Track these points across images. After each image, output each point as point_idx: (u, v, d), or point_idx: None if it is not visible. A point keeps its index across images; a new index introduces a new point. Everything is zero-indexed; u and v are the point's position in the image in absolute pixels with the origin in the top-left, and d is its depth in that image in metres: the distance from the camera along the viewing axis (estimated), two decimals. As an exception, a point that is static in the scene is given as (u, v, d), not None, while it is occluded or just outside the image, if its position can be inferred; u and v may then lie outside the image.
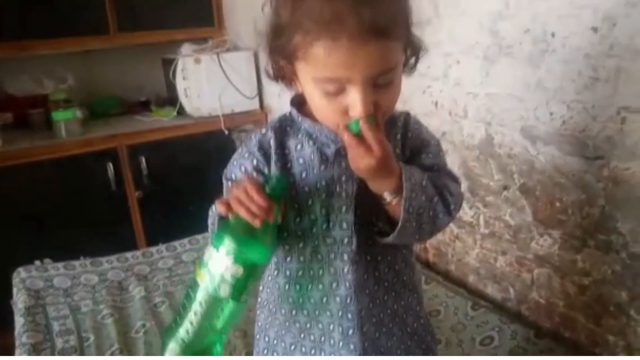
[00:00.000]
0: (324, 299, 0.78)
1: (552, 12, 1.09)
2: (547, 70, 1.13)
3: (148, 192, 2.25)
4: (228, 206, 0.67)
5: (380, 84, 0.64)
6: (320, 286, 0.77)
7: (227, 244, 0.66)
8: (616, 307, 1.09)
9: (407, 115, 0.80)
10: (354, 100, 0.64)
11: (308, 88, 0.68)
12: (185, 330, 0.69)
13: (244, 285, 0.68)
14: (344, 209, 0.74)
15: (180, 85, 2.29)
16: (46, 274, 1.65)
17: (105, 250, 1.79)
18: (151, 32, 2.39)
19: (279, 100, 2.30)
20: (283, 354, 0.83)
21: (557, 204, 1.17)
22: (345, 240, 0.75)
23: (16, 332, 1.39)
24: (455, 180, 0.79)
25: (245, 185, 0.67)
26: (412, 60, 0.72)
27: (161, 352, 0.69)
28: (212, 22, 2.52)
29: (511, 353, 1.19)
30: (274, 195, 0.67)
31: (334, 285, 0.77)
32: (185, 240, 1.87)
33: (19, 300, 1.52)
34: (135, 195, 2.23)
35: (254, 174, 0.77)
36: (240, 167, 0.79)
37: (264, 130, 0.79)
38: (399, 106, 0.74)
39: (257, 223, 0.65)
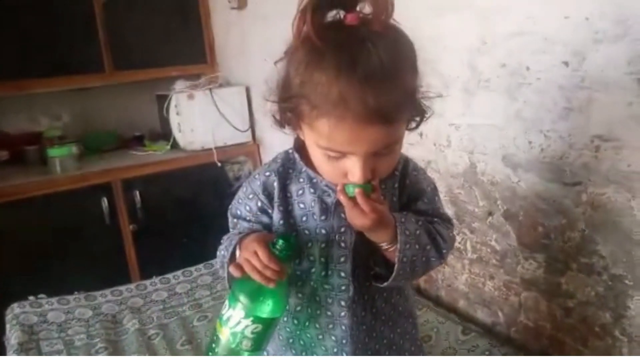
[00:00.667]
0: (320, 336, 0.82)
1: (526, 48, 1.16)
2: (524, 101, 1.19)
3: (142, 225, 2.27)
4: (241, 269, 0.72)
5: (381, 154, 0.68)
6: (317, 325, 0.82)
7: (244, 305, 0.72)
8: (601, 328, 1.12)
9: (405, 161, 0.83)
10: (353, 168, 0.67)
11: (311, 148, 0.72)
12: None
13: (264, 337, 0.74)
14: (342, 259, 0.78)
15: (174, 120, 2.34)
16: (40, 309, 1.65)
17: (100, 284, 1.80)
18: (145, 70, 2.45)
19: (270, 133, 2.36)
20: None
21: (540, 229, 1.21)
22: (343, 288, 0.79)
23: (9, 368, 1.39)
24: (448, 222, 0.84)
25: (255, 249, 0.71)
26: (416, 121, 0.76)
27: None
28: (205, 59, 2.60)
29: (501, 376, 1.21)
30: (283, 257, 0.72)
31: (330, 326, 0.81)
32: (179, 272, 1.88)
33: (12, 337, 1.52)
34: (130, 229, 2.25)
35: (259, 213, 0.82)
36: (245, 207, 0.84)
37: (267, 173, 0.82)
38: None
39: (271, 285, 0.70)
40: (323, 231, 0.78)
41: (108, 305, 1.71)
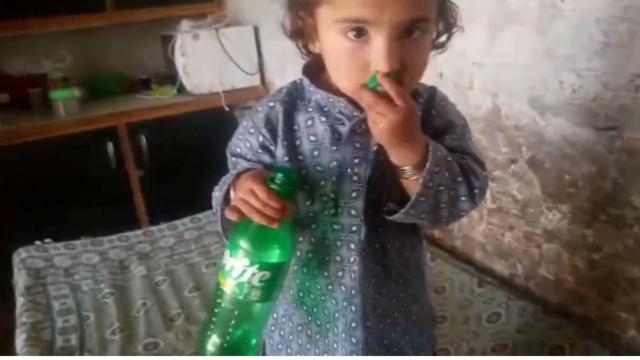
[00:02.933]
0: (330, 286, 0.74)
1: (562, -25, 1.04)
2: (556, 37, 1.08)
3: (149, 170, 2.22)
4: (239, 212, 0.63)
5: (409, 36, 0.58)
6: (326, 273, 0.73)
7: (247, 252, 0.63)
8: (628, 282, 1.06)
9: (432, 90, 0.73)
10: (378, 50, 0.57)
11: (329, 39, 0.61)
12: (222, 335, 0.67)
13: (274, 284, 0.66)
14: (354, 194, 0.69)
15: (179, 62, 2.24)
16: (46, 254, 1.63)
17: (107, 230, 1.77)
18: (149, 9, 2.34)
19: (280, 76, 2.26)
20: (289, 333, 0.79)
21: (567, 177, 1.13)
22: (354, 228, 0.70)
23: (17, 311, 1.38)
24: (482, 165, 0.72)
25: (252, 187, 0.62)
26: (444, 37, 0.67)
27: (200, 352, 0.68)
28: (211, -3, 2.47)
29: (519, 330, 1.17)
30: (284, 193, 0.63)
31: (340, 273, 0.73)
32: (187, 219, 1.85)
33: (19, 281, 1.51)
34: (137, 174, 2.21)
35: (260, 151, 0.73)
36: (245, 143, 0.74)
37: (271, 103, 0.73)
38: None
39: (275, 226, 0.62)
40: (334, 163, 0.68)
41: (115, 251, 1.69)
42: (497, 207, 1.33)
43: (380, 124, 0.59)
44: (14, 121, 2.05)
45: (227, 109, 2.27)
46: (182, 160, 2.26)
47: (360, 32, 0.58)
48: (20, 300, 1.42)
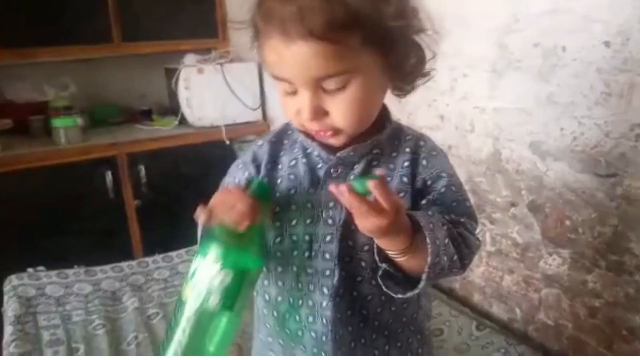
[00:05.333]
0: (299, 332, 0.72)
1: (562, 26, 1.07)
2: (558, 84, 1.10)
3: (146, 201, 2.20)
4: (210, 213, 0.62)
5: (329, 90, 0.61)
6: (297, 317, 0.72)
7: (213, 251, 0.61)
8: (629, 331, 1.05)
9: (421, 138, 0.72)
10: (301, 103, 0.62)
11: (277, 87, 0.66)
12: (174, 351, 0.62)
13: (235, 292, 0.62)
14: (328, 238, 0.68)
15: (182, 95, 2.27)
16: (38, 282, 1.60)
17: (102, 260, 1.74)
18: (155, 42, 2.37)
19: (282, 112, 2.27)
20: None
21: (567, 222, 1.13)
22: (327, 273, 0.68)
23: (4, 341, 1.34)
24: (474, 222, 0.70)
25: (226, 190, 0.64)
26: (409, 75, 0.66)
27: None
28: (216, 34, 2.51)
29: (517, 376, 1.15)
30: (257, 195, 0.63)
31: (311, 319, 0.71)
32: (182, 251, 1.83)
33: (9, 309, 1.47)
34: (134, 204, 2.19)
35: (244, 184, 0.73)
36: (234, 178, 0.76)
37: (260, 142, 0.76)
38: (403, 119, 0.70)
39: (242, 227, 0.61)
40: (309, 205, 0.68)
41: (108, 281, 1.66)
42: (497, 250, 1.33)
43: (365, 224, 0.58)
44: (14, 147, 2.04)
45: (227, 142, 2.29)
46: (180, 192, 2.25)
47: (288, 86, 0.62)
48: (8, 329, 1.38)
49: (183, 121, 2.32)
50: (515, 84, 1.19)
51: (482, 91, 1.28)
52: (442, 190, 0.68)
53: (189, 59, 2.29)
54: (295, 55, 0.58)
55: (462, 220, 0.67)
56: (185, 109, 2.28)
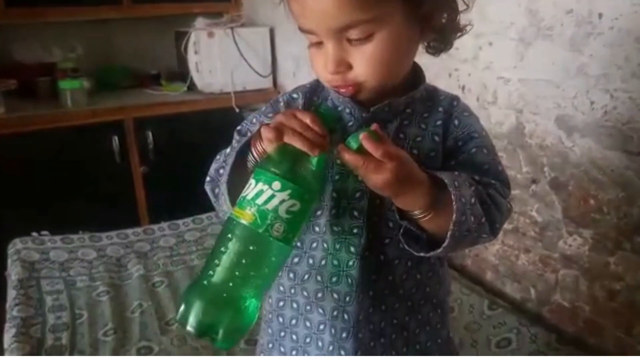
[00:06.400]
0: (319, 294, 0.68)
1: (600, -9, 1.00)
2: (591, 55, 1.03)
3: (153, 167, 2.17)
4: (279, 134, 0.56)
5: (353, 41, 0.57)
6: (319, 277, 0.67)
7: (280, 176, 0.56)
8: (651, 316, 1.01)
9: (453, 98, 0.69)
10: (325, 55, 0.59)
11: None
12: (222, 282, 0.55)
13: (299, 224, 0.58)
14: (357, 194, 0.64)
15: (192, 59, 2.20)
16: (42, 247, 1.58)
17: (106, 226, 1.72)
18: (165, 5, 2.31)
19: (293, 79, 2.22)
20: (260, 350, 0.75)
21: (592, 202, 1.08)
22: (355, 231, 0.65)
23: (7, 304, 1.32)
24: (507, 188, 0.66)
25: (296, 113, 0.58)
26: (441, 30, 0.62)
27: (180, 315, 0.56)
28: (229, -4, 2.43)
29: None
30: (328, 121, 0.58)
31: (334, 279, 0.67)
32: (189, 219, 1.80)
33: (13, 272, 1.46)
34: (140, 170, 2.16)
35: None
36: (259, 123, 0.70)
37: (295, 95, 0.71)
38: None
39: (316, 153, 0.56)
40: (338, 161, 0.62)
41: (113, 247, 1.64)
42: (514, 228, 1.28)
43: (373, 182, 0.56)
44: (19, 109, 2.00)
45: (237, 109, 2.23)
46: (188, 159, 2.20)
47: (314, 37, 0.59)
48: (12, 293, 1.36)
49: (192, 87, 2.26)
50: (544, 54, 1.12)
51: (507, 61, 1.21)
52: (473, 151, 0.65)
53: (200, 22, 2.22)
54: (317, 4, 0.55)
55: (492, 182, 0.64)
56: (194, 74, 2.22)
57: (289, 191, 0.56)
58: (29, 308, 1.30)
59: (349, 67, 0.59)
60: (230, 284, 0.56)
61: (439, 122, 0.66)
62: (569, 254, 1.16)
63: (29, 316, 1.26)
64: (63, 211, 1.93)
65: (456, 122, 0.66)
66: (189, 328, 0.55)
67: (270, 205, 0.56)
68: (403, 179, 0.55)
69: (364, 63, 0.58)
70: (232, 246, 0.56)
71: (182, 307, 0.56)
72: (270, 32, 2.29)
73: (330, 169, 0.65)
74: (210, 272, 0.56)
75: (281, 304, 0.71)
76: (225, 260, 0.56)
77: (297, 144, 0.56)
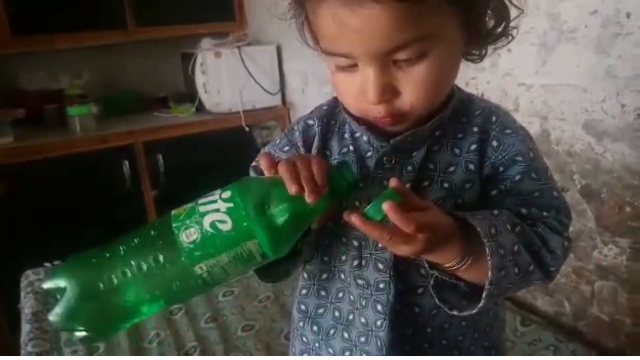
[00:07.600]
0: (347, 352, 0.62)
1: (625, -10, 0.96)
2: (619, 56, 0.99)
3: (165, 190, 2.14)
4: (274, 167, 0.51)
5: (401, 62, 0.49)
6: (347, 335, 0.61)
7: (238, 190, 0.49)
8: (700, 328, 0.95)
9: (492, 112, 0.58)
10: (365, 82, 0.50)
11: (328, 64, 0.54)
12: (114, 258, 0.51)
13: (211, 249, 0.48)
14: (380, 244, 0.56)
15: (199, 80, 2.18)
16: (56, 277, 1.54)
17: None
18: (170, 27, 2.30)
19: (302, 95, 2.19)
20: None
21: (628, 209, 1.03)
22: (381, 286, 0.58)
23: (22, 339, 1.28)
24: (565, 216, 0.57)
25: (311, 158, 0.51)
26: (487, 36, 0.54)
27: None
28: (233, 17, 2.42)
29: (572, 377, 1.05)
30: (338, 185, 0.51)
31: (362, 339, 0.60)
32: (203, 243, 1.75)
33: (26, 305, 1.41)
34: (152, 194, 2.13)
35: None
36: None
37: (310, 121, 0.63)
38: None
39: (293, 191, 0.48)
40: (357, 203, 0.57)
41: (127, 275, 1.59)
42: (543, 240, 1.23)
43: (400, 252, 0.49)
44: (28, 137, 1.98)
45: (247, 128, 2.20)
46: (199, 181, 2.17)
47: (346, 59, 0.50)
48: (26, 327, 1.32)
49: (200, 108, 2.24)
50: (568, 58, 1.08)
51: (528, 67, 1.17)
52: (517, 178, 0.56)
53: (206, 43, 2.21)
54: (363, 22, 0.46)
55: (544, 214, 0.56)
56: (202, 95, 2.20)
57: (230, 204, 0.48)
58: (44, 342, 1.25)
59: (396, 94, 0.51)
60: (119, 273, 0.50)
61: (473, 147, 0.57)
62: (604, 265, 1.10)
63: (44, 351, 1.22)
64: (75, 238, 1.87)
65: (495, 143, 0.57)
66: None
67: (203, 208, 0.49)
68: (433, 245, 0.49)
69: (415, 88, 0.50)
70: (144, 230, 0.52)
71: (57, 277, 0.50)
72: (277, 50, 2.27)
73: (337, 226, 0.58)
74: (107, 255, 0.52)
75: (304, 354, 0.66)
76: (129, 241, 0.51)
77: (285, 175, 0.49)
